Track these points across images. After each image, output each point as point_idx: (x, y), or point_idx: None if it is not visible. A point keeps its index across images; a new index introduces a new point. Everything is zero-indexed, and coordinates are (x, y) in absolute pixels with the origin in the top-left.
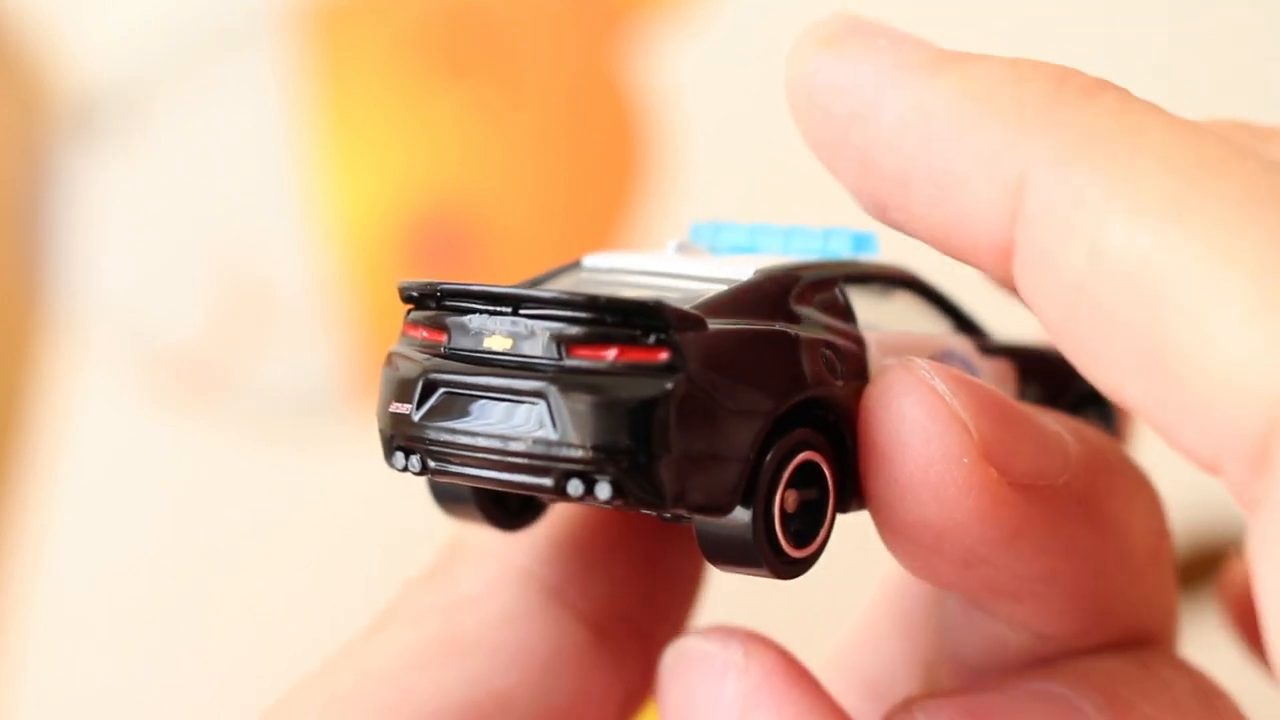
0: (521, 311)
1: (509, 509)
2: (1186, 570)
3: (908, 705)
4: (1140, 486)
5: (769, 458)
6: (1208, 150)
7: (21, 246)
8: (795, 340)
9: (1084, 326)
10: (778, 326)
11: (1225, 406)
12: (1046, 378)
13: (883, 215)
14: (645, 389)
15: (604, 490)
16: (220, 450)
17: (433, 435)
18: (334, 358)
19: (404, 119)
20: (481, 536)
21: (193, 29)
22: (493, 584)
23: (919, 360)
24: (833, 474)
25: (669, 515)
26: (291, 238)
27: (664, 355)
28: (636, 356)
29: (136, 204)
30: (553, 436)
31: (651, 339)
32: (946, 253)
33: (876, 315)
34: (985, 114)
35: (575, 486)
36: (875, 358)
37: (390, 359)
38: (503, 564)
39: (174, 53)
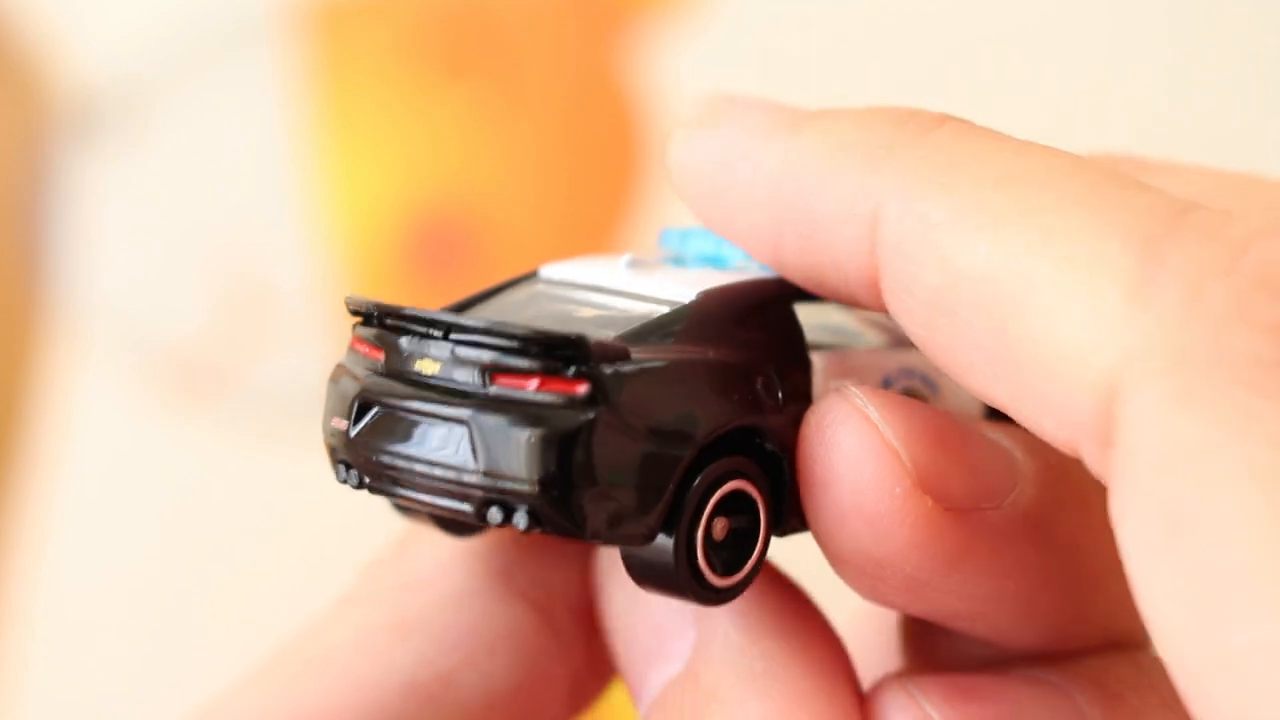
0: (451, 337)
1: None
2: None
3: (901, 681)
4: (1094, 498)
5: (694, 486)
6: (1038, 166)
7: (21, 246)
8: (725, 369)
9: (945, 338)
10: (710, 355)
11: (1068, 394)
12: None
13: (779, 269)
14: (564, 421)
15: (522, 519)
16: (220, 450)
17: (365, 454)
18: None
19: (404, 119)
20: None
21: (193, 29)
22: (443, 565)
23: (853, 388)
24: (765, 503)
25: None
26: (291, 238)
27: (583, 388)
28: (557, 388)
29: (136, 204)
30: (473, 464)
31: (571, 371)
32: (828, 295)
33: (834, 331)
34: (840, 161)
35: (495, 514)
36: (822, 380)
37: (335, 372)
38: (454, 546)
39: (174, 53)
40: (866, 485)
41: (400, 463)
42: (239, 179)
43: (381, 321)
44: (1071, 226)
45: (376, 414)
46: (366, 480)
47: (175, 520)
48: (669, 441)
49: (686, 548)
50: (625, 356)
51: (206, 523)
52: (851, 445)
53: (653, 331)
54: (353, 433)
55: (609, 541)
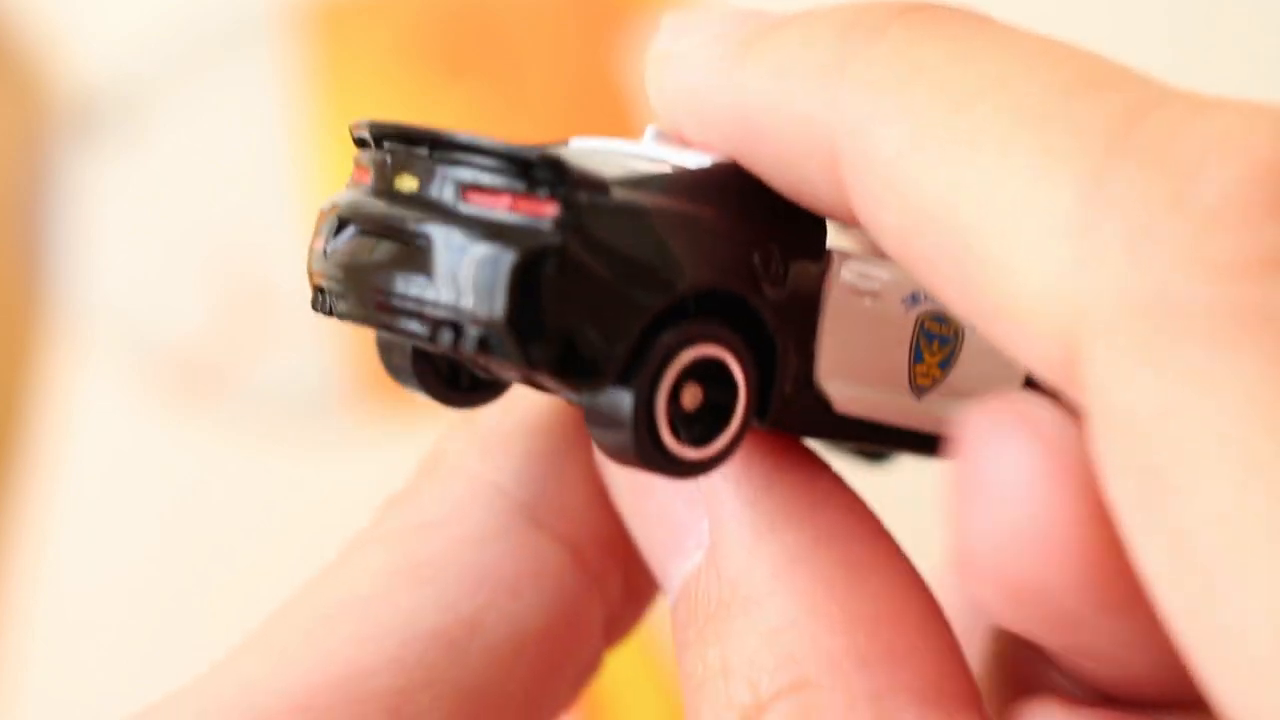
0: (433, 153)
1: (458, 385)
2: None
3: (1064, 712)
4: None
5: (661, 339)
6: (991, 71)
7: (21, 246)
8: (720, 232)
9: (924, 278)
10: (706, 214)
11: (1034, 348)
12: None
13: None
14: (528, 243)
15: (470, 343)
16: (220, 450)
17: (334, 272)
18: (333, 358)
19: (404, 119)
20: (458, 451)
21: (193, 29)
22: (462, 503)
23: (1027, 395)
24: (746, 377)
25: (564, 387)
26: (291, 238)
27: (554, 212)
28: (527, 209)
29: (136, 204)
30: (432, 282)
31: (544, 192)
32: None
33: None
34: (785, 92)
35: (446, 336)
36: (842, 279)
37: (327, 205)
38: (474, 482)
39: (174, 53)
40: (1039, 510)
41: (363, 280)
42: (239, 179)
43: (377, 142)
44: (1017, 153)
45: (350, 232)
46: (332, 303)
47: (175, 520)
48: (640, 285)
49: (645, 404)
50: (604, 189)
51: (206, 523)
52: (1024, 463)
53: (652, 182)
54: (326, 251)
55: (557, 378)
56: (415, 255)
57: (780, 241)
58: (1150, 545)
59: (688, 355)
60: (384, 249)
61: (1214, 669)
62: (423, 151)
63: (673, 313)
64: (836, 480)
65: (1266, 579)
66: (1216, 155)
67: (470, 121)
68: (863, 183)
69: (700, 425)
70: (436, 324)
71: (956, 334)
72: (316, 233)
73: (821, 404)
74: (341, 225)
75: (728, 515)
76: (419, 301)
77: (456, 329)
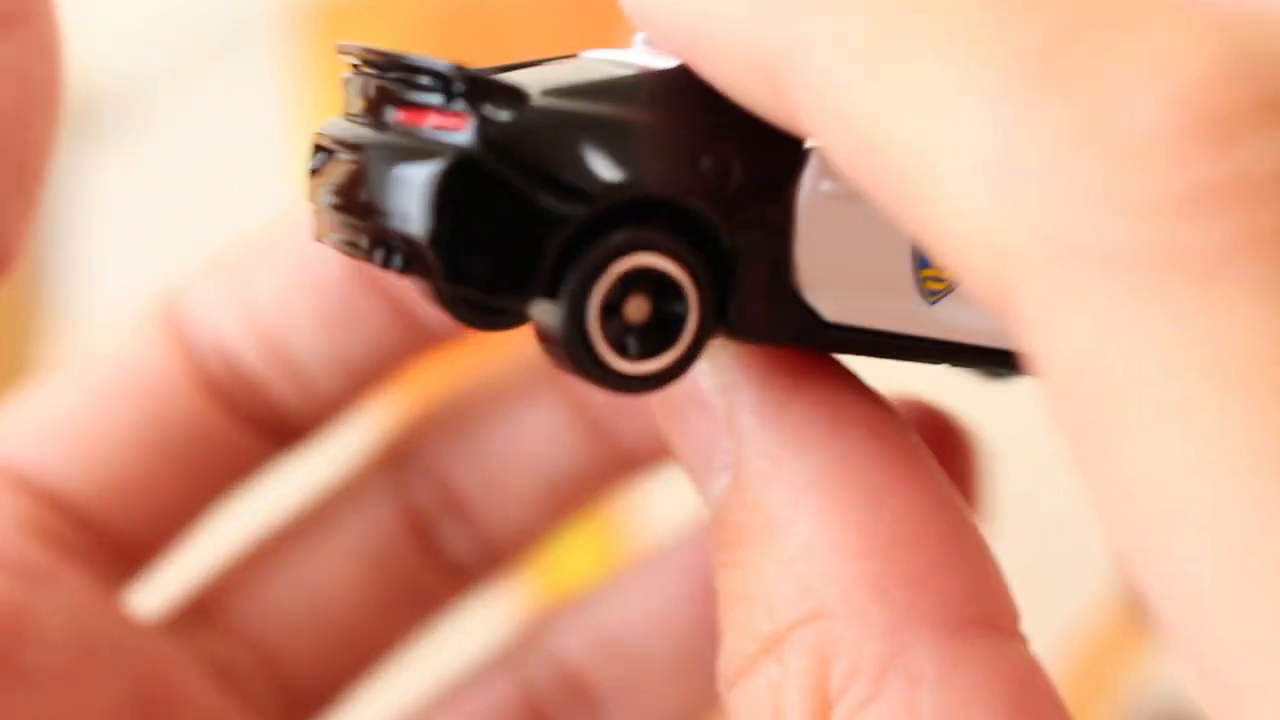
0: (381, 73)
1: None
2: None
3: None
4: None
5: (590, 252)
6: None
7: None
8: (659, 135)
9: (880, 204)
10: (645, 118)
11: (972, 277)
12: None
13: None
14: (442, 158)
15: (398, 260)
16: None
17: (312, 197)
18: None
19: None
20: None
21: (193, 29)
22: None
23: None
24: (698, 287)
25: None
26: None
27: (467, 125)
28: (445, 124)
29: (137, 204)
30: (371, 203)
31: (460, 106)
32: None
33: None
34: (721, 6)
35: (379, 254)
36: (821, 183)
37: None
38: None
39: (174, 53)
40: None
41: (326, 203)
42: (239, 179)
43: (358, 66)
44: (946, 80)
45: (320, 157)
46: (316, 229)
47: None
48: (562, 196)
49: (576, 318)
50: (524, 98)
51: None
52: None
53: (588, 89)
54: (308, 178)
55: (485, 295)
56: (360, 176)
57: (741, 146)
58: (1095, 489)
59: (621, 266)
60: (340, 172)
61: (1169, 616)
62: (373, 72)
63: (613, 221)
64: (864, 396)
65: (1194, 526)
66: (1140, 79)
67: None
68: (803, 105)
69: (652, 338)
70: (374, 244)
71: None
72: (307, 159)
73: (810, 315)
74: (315, 150)
75: (746, 439)
76: (363, 224)
77: (388, 248)
